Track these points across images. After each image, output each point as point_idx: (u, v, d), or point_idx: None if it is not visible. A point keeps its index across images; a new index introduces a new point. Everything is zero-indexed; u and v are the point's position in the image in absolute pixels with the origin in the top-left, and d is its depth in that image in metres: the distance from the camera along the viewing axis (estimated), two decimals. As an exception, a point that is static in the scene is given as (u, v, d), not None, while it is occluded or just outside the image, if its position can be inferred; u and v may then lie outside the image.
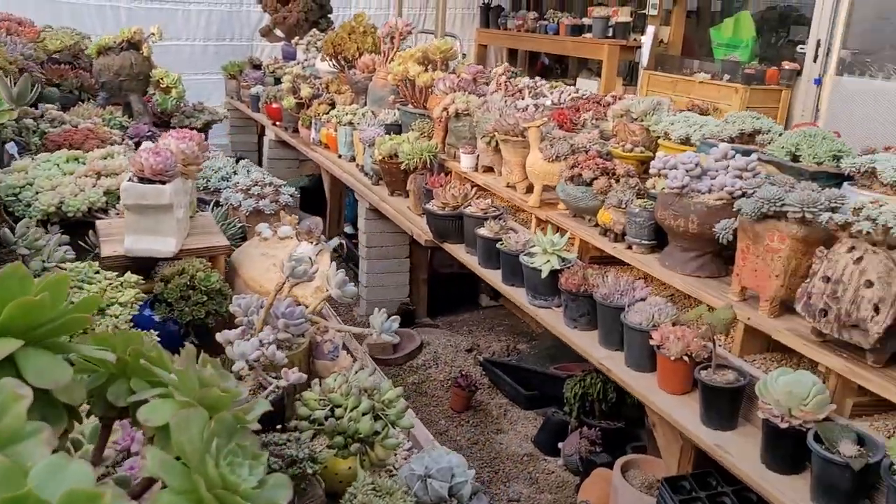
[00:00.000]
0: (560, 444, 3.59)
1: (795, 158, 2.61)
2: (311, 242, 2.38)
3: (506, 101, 4.12)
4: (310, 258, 1.85)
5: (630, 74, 7.20)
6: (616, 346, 2.67)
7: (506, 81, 4.59)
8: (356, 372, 1.63)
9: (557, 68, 9.02)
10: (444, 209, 3.70)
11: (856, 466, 1.78)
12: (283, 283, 1.78)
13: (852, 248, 2.01)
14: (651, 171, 2.75)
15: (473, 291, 5.30)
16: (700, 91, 5.82)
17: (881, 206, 2.06)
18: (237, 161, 3.69)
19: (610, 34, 7.08)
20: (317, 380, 1.62)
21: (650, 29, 6.46)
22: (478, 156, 4.03)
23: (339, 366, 1.90)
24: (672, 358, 2.35)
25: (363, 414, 1.52)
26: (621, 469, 2.99)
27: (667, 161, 2.69)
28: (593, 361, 2.70)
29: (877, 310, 1.92)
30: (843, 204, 2.20)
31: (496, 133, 3.67)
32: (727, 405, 2.19)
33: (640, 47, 6.66)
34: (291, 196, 3.12)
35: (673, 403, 2.36)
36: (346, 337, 2.22)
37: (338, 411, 1.52)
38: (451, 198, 3.68)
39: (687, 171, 2.61)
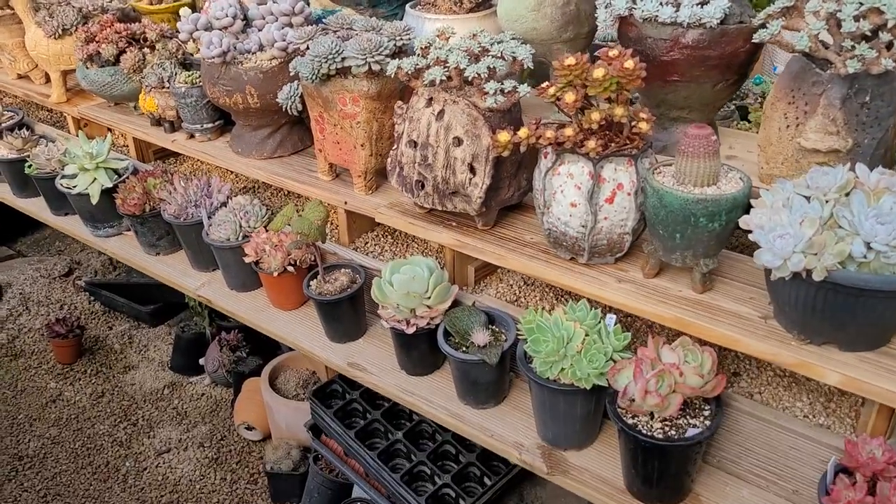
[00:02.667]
0: (201, 361, 3.10)
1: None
2: None
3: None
4: None
5: None
6: (212, 267, 2.15)
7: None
8: None
9: None
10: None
11: (492, 361, 1.56)
12: None
13: (430, 101, 1.66)
14: (181, 36, 2.09)
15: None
16: None
17: (448, 39, 1.71)
18: None
19: None
20: None
21: None
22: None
23: None
24: (275, 274, 1.92)
25: None
26: (270, 377, 2.62)
27: (197, 19, 2.05)
28: (190, 293, 2.17)
29: (472, 170, 1.63)
30: (409, 40, 1.82)
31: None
32: (349, 316, 1.85)
33: None
34: None
35: (292, 322, 1.96)
36: None
37: None
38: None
39: (225, 28, 2.01)
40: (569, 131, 1.44)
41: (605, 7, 1.63)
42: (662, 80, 1.60)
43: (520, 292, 1.83)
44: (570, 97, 1.41)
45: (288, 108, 1.93)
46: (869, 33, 1.34)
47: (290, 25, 2.00)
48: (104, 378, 3.19)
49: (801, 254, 1.22)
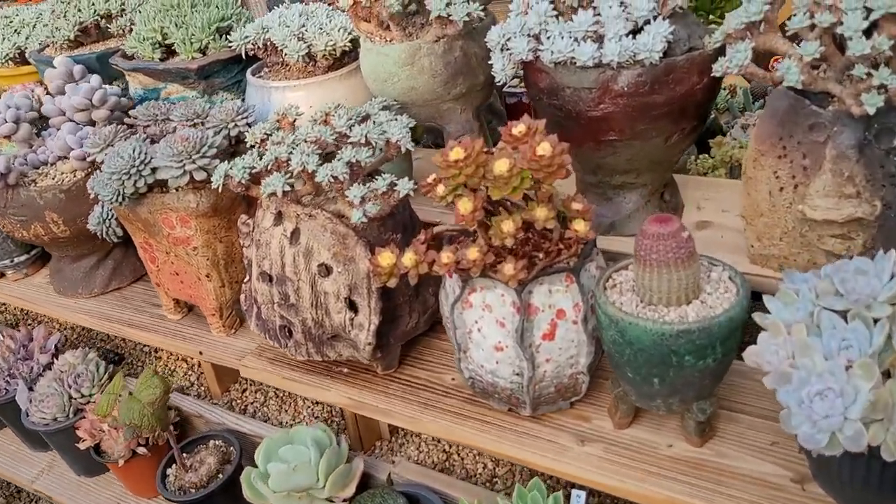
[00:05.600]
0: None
1: (165, 47, 1.63)
2: None
3: None
4: None
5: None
6: (46, 448, 1.63)
7: None
8: None
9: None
10: None
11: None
12: None
13: (280, 217, 1.17)
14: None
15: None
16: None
17: (294, 122, 1.22)
18: None
19: None
20: None
21: None
22: None
23: None
24: (120, 462, 1.41)
25: None
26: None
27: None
28: (25, 486, 1.64)
29: (353, 306, 1.15)
30: (248, 126, 1.33)
31: None
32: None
33: None
34: None
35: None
36: None
37: None
38: None
39: (5, 137, 1.49)
40: (473, 253, 0.96)
41: (501, 50, 1.16)
42: (594, 141, 1.15)
43: (451, 448, 1.35)
44: (465, 206, 0.94)
45: (104, 235, 1.42)
46: (890, 51, 0.90)
47: (92, 124, 1.49)
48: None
49: (859, 422, 0.77)
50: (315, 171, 1.09)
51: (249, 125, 1.33)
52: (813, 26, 0.94)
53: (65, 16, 1.77)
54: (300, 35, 1.40)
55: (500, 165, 0.91)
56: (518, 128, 0.95)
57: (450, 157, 0.93)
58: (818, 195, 0.99)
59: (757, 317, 0.93)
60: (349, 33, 1.41)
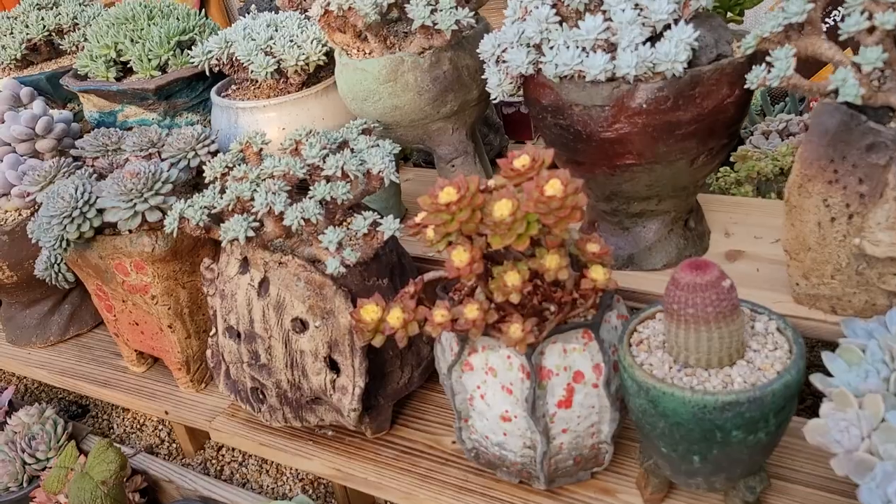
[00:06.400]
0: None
1: (121, 64, 1.46)
2: None
3: None
4: None
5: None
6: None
7: None
8: None
9: None
10: None
11: None
12: None
13: (246, 264, 1.01)
14: None
15: None
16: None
17: (260, 152, 1.06)
18: None
19: None
20: None
21: None
22: None
23: None
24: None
25: None
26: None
27: None
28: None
29: (334, 366, 0.99)
30: (209, 147, 1.16)
31: None
32: None
33: None
34: None
35: None
36: None
37: None
38: None
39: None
40: (472, 311, 0.80)
41: (496, 63, 1.00)
42: (608, 165, 0.98)
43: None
44: (460, 258, 0.78)
45: (53, 282, 1.26)
46: (972, 58, 0.74)
47: (37, 155, 1.32)
48: None
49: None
50: (283, 213, 0.93)
51: (213, 153, 1.17)
52: (872, 28, 0.78)
53: (11, 32, 1.60)
54: (267, 49, 1.24)
55: (501, 209, 0.75)
56: (520, 160, 0.79)
57: (440, 199, 0.77)
58: (880, 228, 0.83)
59: (817, 381, 0.77)
60: (324, 45, 1.25)
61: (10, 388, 1.48)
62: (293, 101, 1.26)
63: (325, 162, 0.98)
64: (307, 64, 1.24)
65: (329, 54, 1.26)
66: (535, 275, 0.82)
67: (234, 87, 1.39)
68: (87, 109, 1.49)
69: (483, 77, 1.04)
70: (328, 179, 0.97)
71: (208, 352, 1.13)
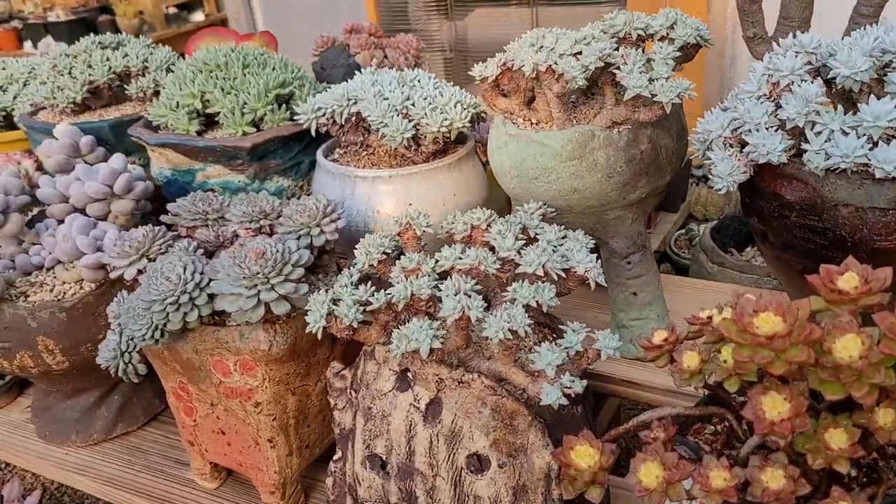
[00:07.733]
0: None
1: (204, 117, 1.26)
2: None
3: None
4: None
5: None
6: None
7: None
8: None
9: None
10: None
11: None
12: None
13: (406, 378, 0.80)
14: None
15: None
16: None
17: (420, 236, 0.86)
18: None
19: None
20: None
21: None
22: None
23: None
24: None
25: None
26: None
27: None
28: None
29: (518, 519, 0.77)
30: (336, 222, 0.96)
31: None
32: None
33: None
34: None
35: None
36: None
37: None
38: None
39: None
40: (776, 480, 0.59)
41: (725, 146, 0.82)
42: (867, 279, 0.80)
43: None
44: (778, 408, 0.57)
45: (119, 374, 1.02)
46: None
47: (106, 216, 1.10)
48: None
49: None
50: (482, 321, 0.72)
51: (339, 231, 0.96)
52: None
53: (70, 72, 1.39)
54: (404, 111, 1.05)
55: (848, 348, 0.56)
56: (847, 280, 0.60)
57: (758, 328, 0.57)
58: None
59: None
60: (465, 109, 1.06)
61: (37, 492, 1.22)
62: (424, 173, 1.07)
63: (521, 256, 0.78)
64: (448, 131, 1.05)
65: (473, 120, 1.08)
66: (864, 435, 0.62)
67: (339, 150, 1.20)
68: (158, 166, 1.28)
69: (676, 157, 0.86)
70: (528, 279, 0.77)
71: (328, 480, 0.89)
